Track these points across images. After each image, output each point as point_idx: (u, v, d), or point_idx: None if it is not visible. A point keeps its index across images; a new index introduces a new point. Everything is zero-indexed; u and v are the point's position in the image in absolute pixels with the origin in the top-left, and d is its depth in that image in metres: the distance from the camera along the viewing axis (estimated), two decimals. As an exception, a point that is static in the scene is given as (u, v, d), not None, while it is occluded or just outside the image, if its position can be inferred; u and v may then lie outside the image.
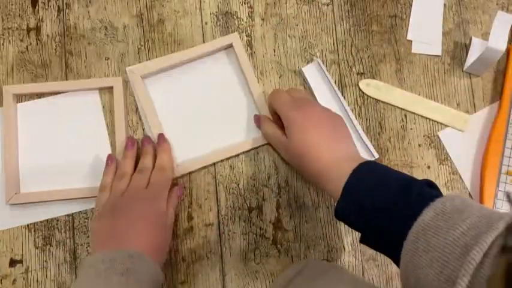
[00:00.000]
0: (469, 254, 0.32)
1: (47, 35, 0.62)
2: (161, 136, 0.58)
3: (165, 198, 0.53)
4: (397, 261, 0.41)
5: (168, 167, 0.55)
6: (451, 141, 0.61)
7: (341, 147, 0.49)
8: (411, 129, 0.61)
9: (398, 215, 0.40)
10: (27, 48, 0.62)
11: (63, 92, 0.60)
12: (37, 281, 0.56)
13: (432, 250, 0.35)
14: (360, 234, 0.46)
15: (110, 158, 0.56)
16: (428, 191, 0.41)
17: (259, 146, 0.59)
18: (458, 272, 0.32)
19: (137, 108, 0.60)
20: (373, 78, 0.62)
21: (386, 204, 0.41)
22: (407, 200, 0.40)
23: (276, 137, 0.55)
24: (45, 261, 0.57)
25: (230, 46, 0.61)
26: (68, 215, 0.58)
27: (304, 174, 0.53)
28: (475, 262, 0.31)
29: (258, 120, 0.59)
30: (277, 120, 0.56)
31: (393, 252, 0.41)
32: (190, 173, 0.59)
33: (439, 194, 0.41)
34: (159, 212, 0.51)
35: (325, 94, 0.61)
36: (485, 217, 0.35)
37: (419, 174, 0.60)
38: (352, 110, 0.61)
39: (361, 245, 0.58)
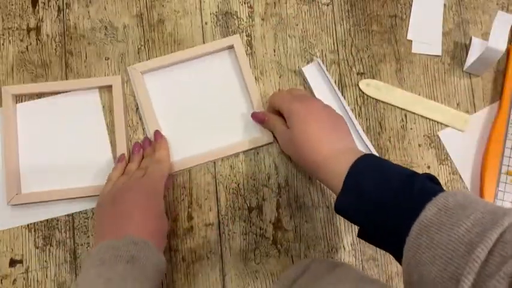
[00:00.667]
0: (474, 251, 0.32)
1: (47, 35, 0.62)
2: (157, 133, 0.58)
3: (161, 188, 0.53)
4: (397, 257, 0.40)
5: (165, 160, 0.56)
6: (451, 141, 0.61)
7: (341, 142, 0.49)
8: (411, 129, 0.61)
9: (399, 210, 0.40)
10: (27, 48, 0.62)
11: (62, 92, 0.60)
12: (37, 281, 0.56)
13: (435, 247, 0.35)
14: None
15: (122, 156, 0.58)
16: (430, 186, 0.40)
17: (258, 147, 0.59)
18: (463, 270, 0.32)
19: (137, 108, 0.60)
20: (373, 78, 0.62)
21: (387, 198, 0.41)
22: (409, 194, 0.40)
23: (280, 128, 0.55)
24: (45, 261, 0.57)
25: (231, 47, 0.61)
26: (68, 215, 0.58)
27: (303, 166, 0.53)
28: (480, 260, 0.31)
29: (257, 116, 0.59)
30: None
31: (394, 247, 0.41)
32: (189, 171, 0.59)
33: (441, 188, 0.41)
34: (154, 201, 0.52)
35: (325, 94, 0.61)
36: (490, 213, 0.34)
37: (419, 174, 0.60)
38: (352, 110, 0.61)
39: (361, 244, 0.58)
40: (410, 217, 0.38)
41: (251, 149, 0.59)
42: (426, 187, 0.40)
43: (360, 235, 0.45)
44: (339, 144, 0.49)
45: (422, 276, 0.35)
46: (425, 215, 0.37)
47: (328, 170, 0.47)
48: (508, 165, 0.58)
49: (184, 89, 0.61)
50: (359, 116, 0.61)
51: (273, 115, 0.57)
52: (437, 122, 0.61)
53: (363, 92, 0.62)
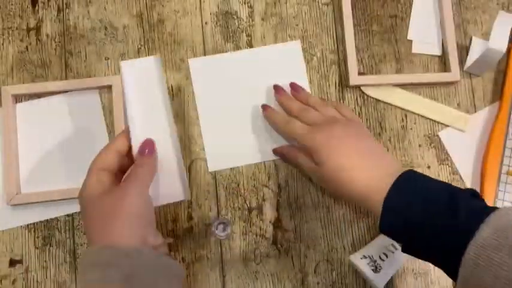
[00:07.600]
0: None
1: (47, 35, 0.62)
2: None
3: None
4: (447, 270, 0.41)
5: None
6: (452, 141, 0.61)
7: (374, 164, 0.48)
8: (411, 129, 0.61)
9: (448, 231, 0.40)
10: (27, 48, 0.62)
11: (62, 92, 0.60)
12: (37, 281, 0.56)
13: (496, 267, 0.36)
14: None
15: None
16: (478, 204, 0.41)
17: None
18: None
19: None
20: (374, 78, 0.62)
21: (433, 219, 0.41)
22: (456, 214, 0.40)
23: (307, 166, 0.52)
24: (45, 261, 0.57)
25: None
26: (67, 215, 0.58)
27: (343, 198, 0.54)
28: None
29: (277, 152, 0.58)
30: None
31: (444, 263, 0.42)
32: (189, 172, 0.59)
33: (485, 205, 0.42)
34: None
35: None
36: None
37: (419, 175, 0.60)
38: (353, 110, 0.61)
39: (361, 244, 0.58)
40: (462, 238, 0.39)
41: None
42: (473, 206, 0.41)
43: (405, 250, 0.45)
44: (373, 168, 0.47)
45: None
46: (481, 236, 0.38)
47: (370, 198, 0.46)
48: (509, 165, 0.58)
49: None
50: (359, 116, 0.61)
51: (293, 150, 0.55)
52: (438, 122, 0.61)
53: (363, 92, 0.62)
